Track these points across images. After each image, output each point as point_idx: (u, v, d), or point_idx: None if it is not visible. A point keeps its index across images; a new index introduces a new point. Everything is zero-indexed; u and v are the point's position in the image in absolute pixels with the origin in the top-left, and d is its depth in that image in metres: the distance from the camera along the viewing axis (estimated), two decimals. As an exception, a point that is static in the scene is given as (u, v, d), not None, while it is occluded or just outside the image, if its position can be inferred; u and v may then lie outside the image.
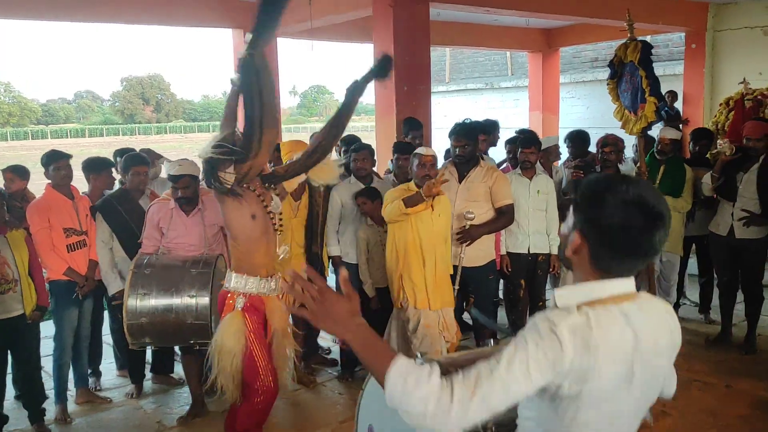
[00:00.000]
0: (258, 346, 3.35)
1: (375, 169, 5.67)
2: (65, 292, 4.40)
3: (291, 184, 3.85)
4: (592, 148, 6.12)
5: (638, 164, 5.75)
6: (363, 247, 4.64)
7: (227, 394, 3.39)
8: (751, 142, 5.02)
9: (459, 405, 1.32)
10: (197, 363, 4.18)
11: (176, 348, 4.75)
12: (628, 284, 1.50)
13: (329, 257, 4.88)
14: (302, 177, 3.82)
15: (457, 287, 4.63)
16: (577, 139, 6.03)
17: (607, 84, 5.80)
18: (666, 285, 5.76)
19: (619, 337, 1.43)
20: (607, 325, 1.42)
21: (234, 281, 3.41)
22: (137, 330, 3.79)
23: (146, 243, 4.19)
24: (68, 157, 4.50)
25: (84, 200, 4.54)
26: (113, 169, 4.97)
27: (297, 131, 46.22)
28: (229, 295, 3.43)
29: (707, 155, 5.97)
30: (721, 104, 6.97)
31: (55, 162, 4.38)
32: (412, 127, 5.80)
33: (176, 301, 3.77)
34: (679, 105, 9.66)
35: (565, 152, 6.27)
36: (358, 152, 4.80)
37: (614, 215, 1.42)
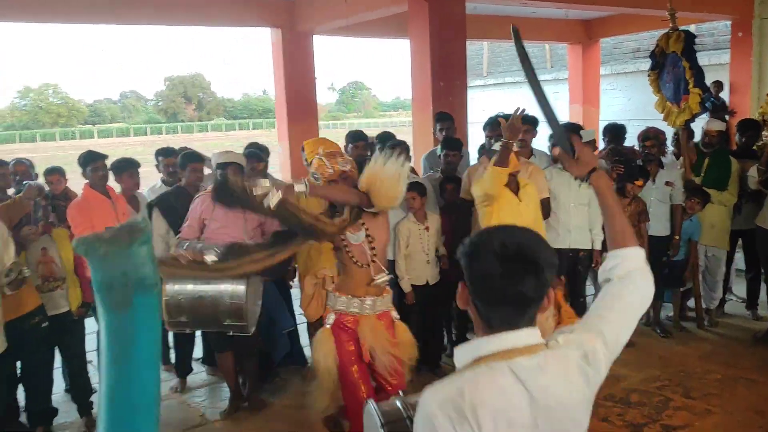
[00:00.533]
0: (345, 363, 3.42)
1: (412, 164, 5.68)
2: None
3: None
4: (630, 141, 6.01)
5: (681, 157, 5.63)
6: (403, 242, 4.63)
7: (320, 405, 3.61)
8: (799, 132, 4.87)
9: None
10: (232, 358, 4.26)
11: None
12: (521, 337, 1.41)
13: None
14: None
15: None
16: (613, 131, 5.92)
17: (648, 75, 5.69)
18: (711, 281, 5.63)
19: (502, 394, 1.36)
20: (485, 384, 1.36)
21: (331, 298, 3.60)
22: (174, 308, 3.78)
23: (185, 232, 4.23)
24: (105, 157, 4.60)
25: (120, 199, 4.63)
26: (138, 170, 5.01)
27: (335, 127, 46.45)
28: (326, 310, 3.62)
29: (754, 147, 5.80)
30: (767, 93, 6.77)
31: (93, 162, 4.47)
32: (440, 119, 5.76)
33: (213, 284, 3.80)
34: (725, 95, 9.40)
35: (601, 146, 6.17)
36: (394, 149, 4.76)
37: (478, 264, 1.40)
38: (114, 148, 43.80)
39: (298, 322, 5.17)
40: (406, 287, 4.65)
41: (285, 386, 4.82)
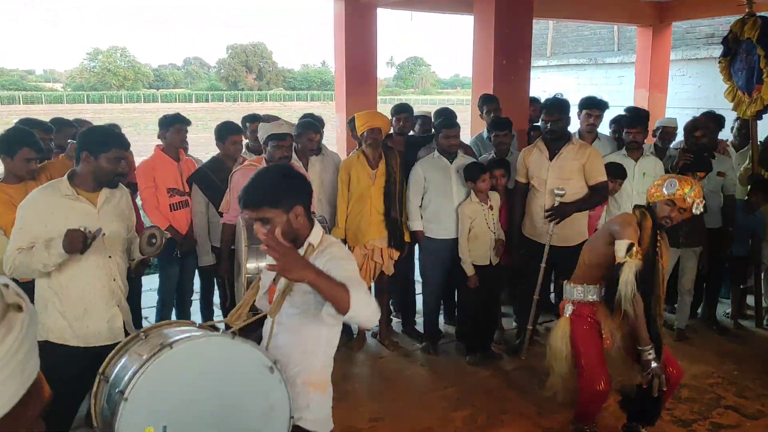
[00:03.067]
0: (584, 351, 3.49)
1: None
2: (167, 248, 4.60)
3: None
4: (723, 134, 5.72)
5: (745, 149, 5.40)
6: (466, 224, 4.60)
7: (557, 393, 3.67)
8: None
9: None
10: None
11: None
12: None
13: (410, 231, 4.84)
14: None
15: (543, 265, 4.55)
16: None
17: (719, 62, 5.44)
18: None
19: None
20: None
21: (567, 290, 3.65)
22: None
23: (229, 213, 4.21)
24: (189, 123, 4.71)
25: (189, 162, 4.74)
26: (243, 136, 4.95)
27: (392, 102, 46.22)
28: (563, 301, 3.68)
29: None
30: None
31: (179, 124, 4.58)
32: (486, 101, 5.65)
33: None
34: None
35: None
36: (450, 128, 4.71)
37: None
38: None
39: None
40: (470, 270, 4.62)
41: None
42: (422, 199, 4.75)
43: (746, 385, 4.32)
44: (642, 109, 5.76)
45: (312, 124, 4.74)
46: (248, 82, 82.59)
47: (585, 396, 3.50)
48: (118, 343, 2.39)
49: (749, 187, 5.05)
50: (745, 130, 5.55)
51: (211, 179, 4.57)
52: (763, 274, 5.42)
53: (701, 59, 11.77)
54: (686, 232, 4.92)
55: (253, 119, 5.23)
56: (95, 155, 2.88)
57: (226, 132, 4.65)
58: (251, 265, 3.69)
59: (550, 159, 4.51)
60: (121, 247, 3.13)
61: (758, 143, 5.34)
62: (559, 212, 4.42)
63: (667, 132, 5.47)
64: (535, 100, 6.22)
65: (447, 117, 5.08)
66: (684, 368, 4.49)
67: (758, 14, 5.09)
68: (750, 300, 5.63)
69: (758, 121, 5.32)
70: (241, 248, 3.74)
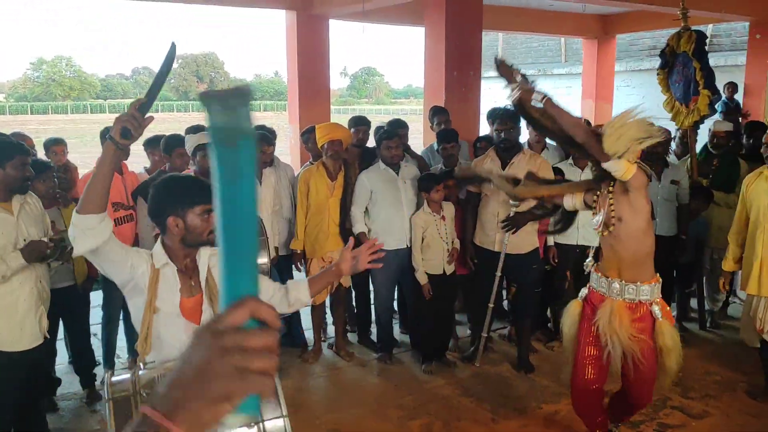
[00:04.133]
0: (582, 340, 3.41)
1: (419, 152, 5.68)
2: None
3: None
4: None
5: (686, 158, 5.61)
6: (418, 234, 4.63)
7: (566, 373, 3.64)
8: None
9: None
10: None
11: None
12: None
13: (354, 235, 4.81)
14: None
15: (498, 274, 4.62)
16: None
17: (658, 74, 5.66)
18: (716, 283, 5.60)
19: None
20: None
21: (592, 276, 3.46)
22: None
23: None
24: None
25: (131, 176, 4.62)
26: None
27: (346, 112, 46.32)
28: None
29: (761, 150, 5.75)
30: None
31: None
32: (436, 113, 5.75)
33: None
34: (740, 97, 9.33)
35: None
36: (391, 139, 4.74)
37: None
38: (125, 124, 43.71)
39: (301, 305, 5.21)
40: (423, 279, 4.66)
41: (284, 368, 4.85)
42: (369, 209, 4.79)
43: (691, 386, 4.46)
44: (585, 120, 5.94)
45: (264, 136, 4.71)
46: (200, 92, 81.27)
47: (572, 389, 3.52)
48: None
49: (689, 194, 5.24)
50: (687, 139, 5.76)
51: None
52: (705, 279, 5.62)
53: (644, 70, 12.18)
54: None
55: (196, 130, 5.18)
56: (1, 165, 3.01)
57: (173, 145, 4.53)
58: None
59: (503, 168, 4.59)
60: None
61: (696, 152, 5.56)
62: (515, 222, 4.51)
63: None
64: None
65: (388, 128, 5.12)
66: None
67: (693, 28, 5.31)
68: (693, 303, 5.83)
69: (696, 131, 5.54)
70: None
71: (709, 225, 5.42)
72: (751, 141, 5.77)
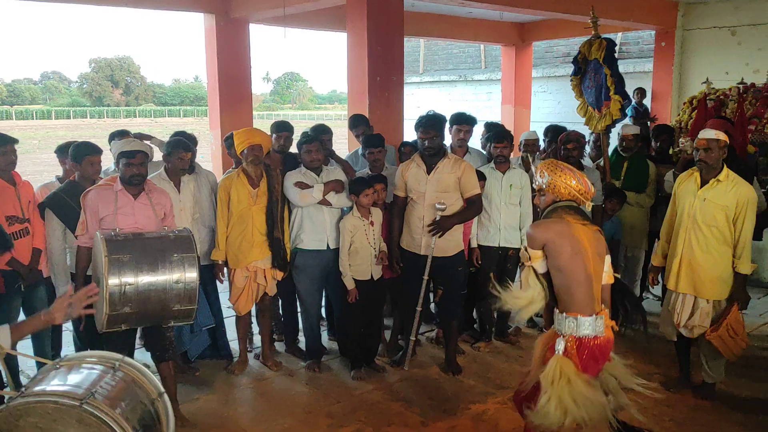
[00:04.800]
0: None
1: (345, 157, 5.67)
2: (8, 281, 4.15)
3: None
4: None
5: (602, 161, 5.84)
6: (346, 238, 4.62)
7: None
8: (711, 141, 5.10)
9: None
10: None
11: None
12: None
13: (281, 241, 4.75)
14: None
15: (425, 277, 4.66)
16: (554, 133, 6.10)
17: (571, 80, 5.88)
18: (630, 279, 5.86)
19: None
20: None
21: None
22: (119, 297, 3.51)
23: (83, 235, 3.92)
24: (15, 141, 4.26)
25: (26, 186, 4.33)
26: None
27: (269, 118, 45.77)
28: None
29: (670, 152, 6.09)
30: (684, 103, 7.12)
31: (2, 146, 4.12)
32: (354, 126, 5.78)
33: (161, 278, 3.63)
34: (648, 102, 9.81)
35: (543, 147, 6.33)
36: (310, 143, 4.74)
37: None
38: (35, 131, 41.77)
39: (225, 315, 5.09)
40: (350, 283, 4.64)
41: (209, 381, 4.72)
42: (291, 210, 4.76)
43: (610, 380, 4.62)
44: (498, 123, 6.14)
45: (182, 142, 4.58)
46: (114, 97, 78.54)
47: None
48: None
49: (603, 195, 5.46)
50: (600, 142, 6.01)
51: (66, 204, 4.22)
52: (620, 275, 5.86)
53: (560, 77, 12.61)
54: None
55: (122, 135, 4.98)
56: None
57: (83, 152, 4.31)
58: (113, 280, 3.47)
59: (428, 173, 4.64)
60: None
61: (608, 155, 5.80)
62: (441, 226, 4.56)
63: (530, 144, 5.87)
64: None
65: (308, 133, 5.11)
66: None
67: (603, 36, 5.54)
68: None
69: (608, 135, 5.78)
70: (100, 263, 3.53)
71: (622, 224, 5.66)
72: (658, 144, 6.08)
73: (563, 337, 2.96)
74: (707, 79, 6.74)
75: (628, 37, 11.43)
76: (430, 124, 4.62)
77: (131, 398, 2.63)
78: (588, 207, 3.20)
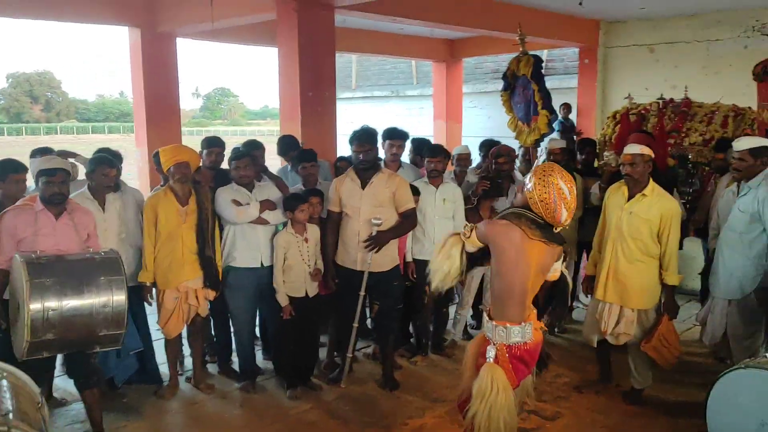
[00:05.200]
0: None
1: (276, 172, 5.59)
2: None
3: None
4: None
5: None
6: (280, 254, 4.53)
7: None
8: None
9: None
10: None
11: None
12: None
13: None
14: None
15: (362, 293, 4.62)
16: (488, 148, 6.20)
17: (501, 96, 6.01)
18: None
19: None
20: None
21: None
22: (42, 324, 3.35)
23: (0, 257, 3.72)
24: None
25: None
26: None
27: (200, 134, 44.88)
28: None
29: (595, 165, 6.29)
30: (608, 117, 7.37)
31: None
32: (289, 149, 5.74)
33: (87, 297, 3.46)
34: (574, 117, 10.15)
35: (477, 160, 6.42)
36: (240, 159, 4.65)
37: None
38: (-54, 149, 39.54)
39: (154, 338, 4.89)
40: (284, 300, 4.55)
41: (137, 407, 4.52)
42: (223, 226, 4.65)
43: (544, 390, 4.70)
44: (424, 139, 6.22)
45: (106, 159, 4.40)
46: (34, 113, 75.27)
47: None
48: None
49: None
50: (529, 156, 6.15)
51: None
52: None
53: (489, 92, 12.91)
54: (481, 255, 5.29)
55: (42, 153, 4.75)
56: None
57: (7, 170, 4.14)
58: (35, 305, 3.29)
59: (363, 188, 4.62)
60: None
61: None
62: (378, 241, 4.54)
63: (462, 159, 5.94)
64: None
65: (237, 149, 5.01)
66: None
67: (531, 53, 5.70)
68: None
69: (537, 148, 5.93)
70: (20, 288, 3.33)
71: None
72: (583, 157, 6.27)
73: (494, 344, 2.96)
74: (629, 94, 7.01)
75: (553, 54, 11.83)
76: (365, 137, 4.61)
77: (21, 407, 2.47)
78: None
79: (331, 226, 4.76)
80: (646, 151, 4.25)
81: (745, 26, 8.88)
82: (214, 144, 5.15)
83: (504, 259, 2.92)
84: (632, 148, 4.31)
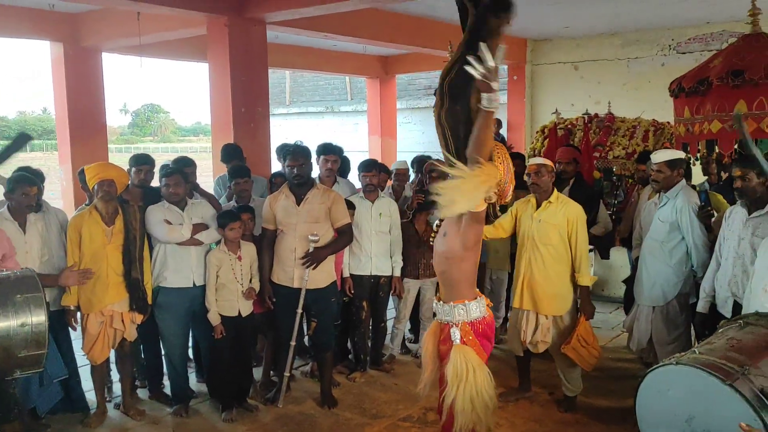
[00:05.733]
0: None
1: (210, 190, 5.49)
2: None
3: None
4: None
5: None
6: (212, 273, 4.43)
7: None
8: (562, 166, 5.49)
9: None
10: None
11: None
12: None
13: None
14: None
15: (300, 311, 4.56)
16: (420, 163, 6.27)
17: (434, 111, 6.10)
18: (496, 300, 6.09)
19: None
20: None
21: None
22: None
23: None
24: None
25: None
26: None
27: (128, 151, 43.60)
28: None
29: (524, 178, 6.44)
30: (537, 132, 7.60)
31: None
32: (231, 157, 5.67)
33: (3, 324, 3.26)
34: (504, 132, 10.40)
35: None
36: (169, 177, 4.55)
37: None
38: None
39: (80, 364, 4.68)
40: (215, 319, 4.44)
41: (64, 438, 4.31)
42: (153, 245, 4.53)
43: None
44: (332, 145, 6.21)
45: (26, 177, 4.20)
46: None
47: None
48: None
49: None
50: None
51: None
52: (487, 296, 6.08)
53: (422, 108, 13.10)
54: (425, 264, 5.33)
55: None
56: None
57: None
58: None
59: (298, 204, 4.58)
60: None
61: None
62: (315, 257, 4.51)
63: (400, 173, 5.99)
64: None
65: (166, 166, 4.91)
66: (428, 393, 4.84)
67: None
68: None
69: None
70: None
71: (487, 248, 5.89)
72: (513, 169, 6.42)
73: (456, 325, 2.99)
74: (556, 109, 7.25)
75: (483, 71, 12.07)
76: (298, 151, 4.59)
77: None
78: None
79: (267, 243, 4.69)
80: (548, 162, 4.54)
81: (662, 45, 9.35)
82: (142, 161, 5.01)
83: (478, 239, 3.00)
84: (536, 159, 4.61)
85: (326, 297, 4.71)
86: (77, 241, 4.24)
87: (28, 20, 7.30)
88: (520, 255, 4.55)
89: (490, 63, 2.53)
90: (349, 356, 5.56)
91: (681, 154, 4.58)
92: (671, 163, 4.44)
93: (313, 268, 4.53)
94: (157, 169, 5.10)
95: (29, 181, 4.18)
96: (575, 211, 4.43)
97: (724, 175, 5.82)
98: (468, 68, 2.59)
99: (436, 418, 4.46)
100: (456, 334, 2.98)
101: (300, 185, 4.59)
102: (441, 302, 3.10)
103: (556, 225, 4.40)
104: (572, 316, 4.48)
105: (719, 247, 4.02)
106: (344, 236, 4.71)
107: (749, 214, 3.83)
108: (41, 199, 4.42)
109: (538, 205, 4.50)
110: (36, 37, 7.73)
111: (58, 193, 8.48)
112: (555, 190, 4.53)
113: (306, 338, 5.53)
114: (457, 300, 3.02)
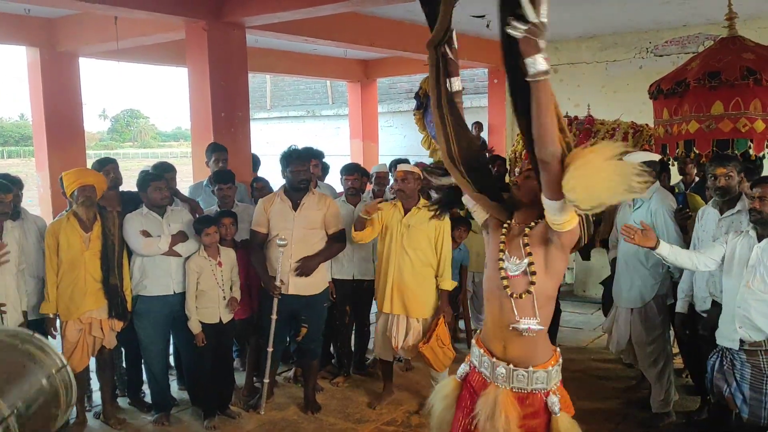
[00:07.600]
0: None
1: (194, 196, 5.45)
2: None
3: None
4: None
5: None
6: (192, 279, 4.39)
7: None
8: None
9: None
10: None
11: None
12: None
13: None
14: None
15: (274, 317, 4.52)
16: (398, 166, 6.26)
17: (414, 114, 6.11)
18: (478, 304, 6.11)
19: None
20: None
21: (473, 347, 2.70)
22: None
23: None
24: None
25: None
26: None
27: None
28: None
29: (506, 180, 6.48)
30: (518, 135, 7.63)
31: None
32: (215, 150, 5.62)
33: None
34: (485, 134, 10.44)
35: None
36: (160, 181, 4.51)
37: None
38: None
39: (59, 374, 4.61)
40: (196, 327, 4.39)
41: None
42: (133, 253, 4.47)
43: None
44: (322, 159, 6.22)
45: (2, 185, 4.14)
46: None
47: None
48: None
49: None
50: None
51: None
52: (469, 300, 6.10)
53: (404, 112, 13.11)
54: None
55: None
56: None
57: None
58: None
59: (294, 209, 4.55)
60: None
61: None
62: (307, 266, 4.51)
63: (380, 177, 5.98)
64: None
65: (147, 171, 4.85)
66: (411, 397, 4.83)
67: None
68: (462, 324, 6.28)
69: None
70: None
71: (469, 251, 5.91)
72: (495, 170, 6.45)
73: (554, 392, 2.43)
74: (535, 112, 7.26)
75: (463, 74, 12.07)
76: (305, 155, 4.64)
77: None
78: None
79: (258, 246, 4.64)
80: (415, 169, 4.59)
81: (640, 48, 9.44)
82: (106, 162, 4.88)
83: (561, 274, 2.47)
84: (404, 166, 4.67)
85: (319, 303, 4.71)
86: (55, 248, 4.18)
87: (4, 25, 7.20)
88: (387, 260, 4.57)
89: (533, 18, 1.97)
90: (333, 361, 5.54)
91: (654, 156, 4.62)
92: (644, 166, 4.47)
93: (306, 276, 4.52)
94: (134, 175, 5.04)
95: (5, 188, 4.12)
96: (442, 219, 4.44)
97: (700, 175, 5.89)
98: (509, 30, 2.06)
99: (419, 421, 4.47)
100: (555, 403, 2.41)
101: (298, 190, 4.56)
102: (517, 367, 2.39)
103: (424, 230, 4.48)
104: (433, 318, 4.57)
105: (694, 248, 4.07)
106: (337, 242, 4.70)
107: (721, 214, 3.89)
108: (19, 206, 4.36)
109: (406, 210, 4.56)
110: (12, 43, 7.63)
111: (35, 200, 8.36)
112: (421, 197, 4.61)
113: (289, 344, 5.51)
114: (549, 360, 2.42)
